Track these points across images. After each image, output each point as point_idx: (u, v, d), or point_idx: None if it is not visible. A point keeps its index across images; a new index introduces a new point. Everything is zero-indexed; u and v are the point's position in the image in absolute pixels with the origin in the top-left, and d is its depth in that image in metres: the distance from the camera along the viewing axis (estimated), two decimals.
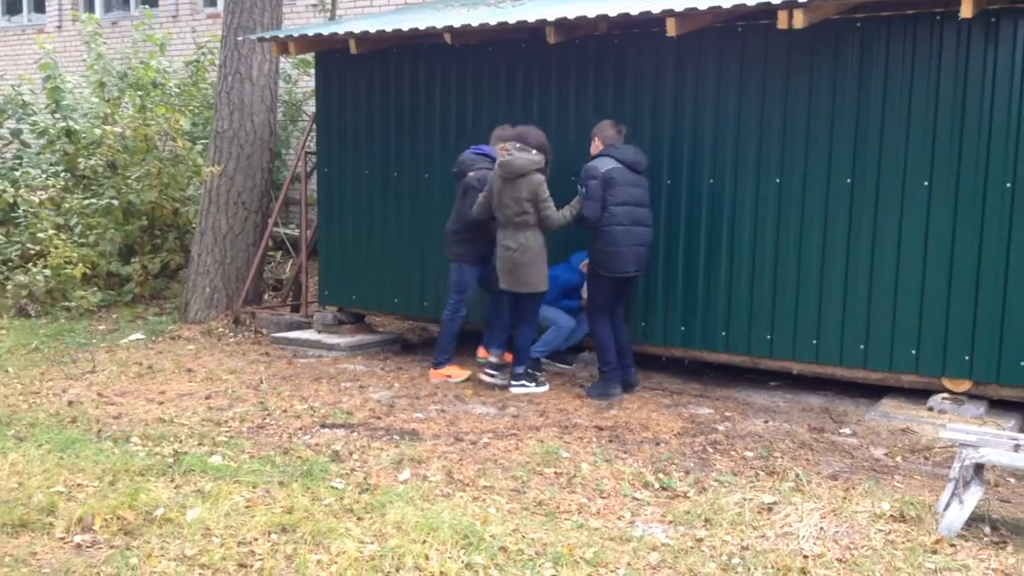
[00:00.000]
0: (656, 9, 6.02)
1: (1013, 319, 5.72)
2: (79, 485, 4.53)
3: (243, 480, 4.60)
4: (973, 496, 4.23)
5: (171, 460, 4.93)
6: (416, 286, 8.03)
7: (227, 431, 5.60)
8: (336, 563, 3.70)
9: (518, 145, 6.44)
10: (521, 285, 6.54)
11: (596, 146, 6.56)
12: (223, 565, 3.66)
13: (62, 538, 3.95)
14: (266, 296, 10.22)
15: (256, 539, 3.90)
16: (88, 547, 3.84)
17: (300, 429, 5.68)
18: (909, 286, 6.02)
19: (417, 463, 5.04)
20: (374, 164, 8.14)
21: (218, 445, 5.29)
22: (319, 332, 8.43)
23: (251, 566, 3.68)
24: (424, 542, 3.90)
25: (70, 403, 6.22)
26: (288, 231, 10.84)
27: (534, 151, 6.44)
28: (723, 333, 6.69)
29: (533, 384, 6.69)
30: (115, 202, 10.19)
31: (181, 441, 5.35)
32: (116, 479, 4.59)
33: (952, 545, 4.09)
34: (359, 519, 4.19)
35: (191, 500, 4.27)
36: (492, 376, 6.85)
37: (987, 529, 4.27)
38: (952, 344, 5.92)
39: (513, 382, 6.69)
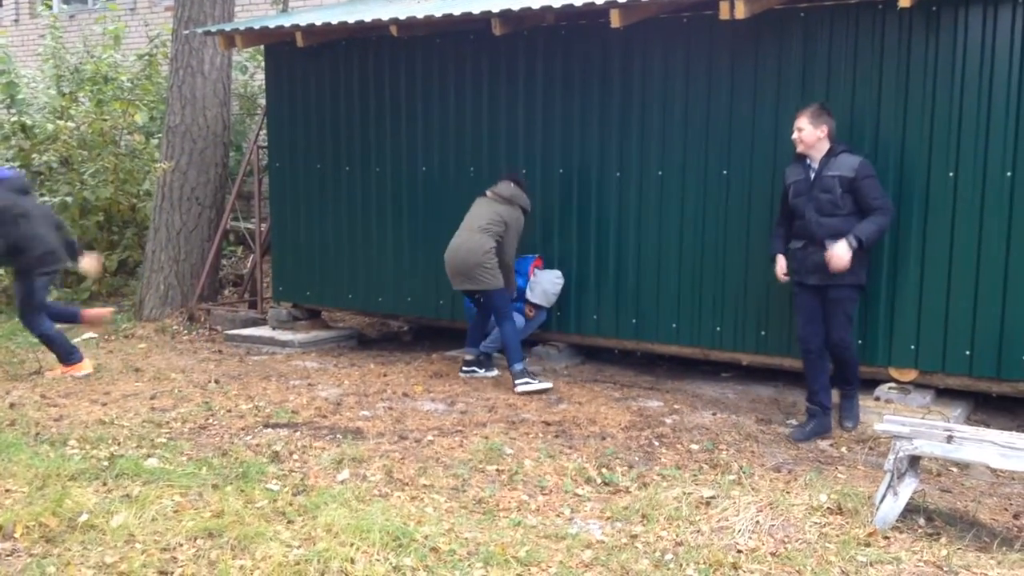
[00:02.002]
0: (600, 0, 5.97)
1: (958, 308, 5.72)
2: (7, 491, 4.44)
3: (176, 483, 4.53)
4: (908, 488, 4.23)
5: (106, 463, 4.86)
6: (371, 281, 7.96)
7: (167, 432, 5.53)
8: (259, 568, 3.64)
9: (513, 183, 6.82)
10: (482, 284, 6.65)
11: (817, 137, 5.46)
12: (143, 572, 3.60)
13: None
14: (226, 292, 10.12)
15: (180, 545, 3.84)
16: (7, 555, 3.77)
17: (243, 429, 5.62)
18: None
19: (358, 463, 4.99)
20: (325, 158, 8.06)
21: (156, 447, 5.21)
22: (274, 329, 8.36)
23: (171, 573, 3.62)
24: (353, 545, 3.85)
25: (12, 405, 6.12)
26: (248, 226, 10.73)
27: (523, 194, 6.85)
28: (674, 325, 6.67)
29: (536, 380, 6.57)
30: (69, 199, 10.05)
31: (120, 443, 5.27)
32: (46, 484, 4.50)
33: (886, 537, 4.08)
34: (290, 522, 4.13)
35: (117, 505, 4.20)
36: (470, 373, 6.93)
37: (922, 521, 4.27)
38: (897, 334, 5.92)
39: (516, 382, 6.55)
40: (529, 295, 7.00)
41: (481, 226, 6.67)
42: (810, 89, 6.03)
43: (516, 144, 7.15)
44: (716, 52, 6.33)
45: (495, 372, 6.94)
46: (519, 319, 7.00)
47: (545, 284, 6.98)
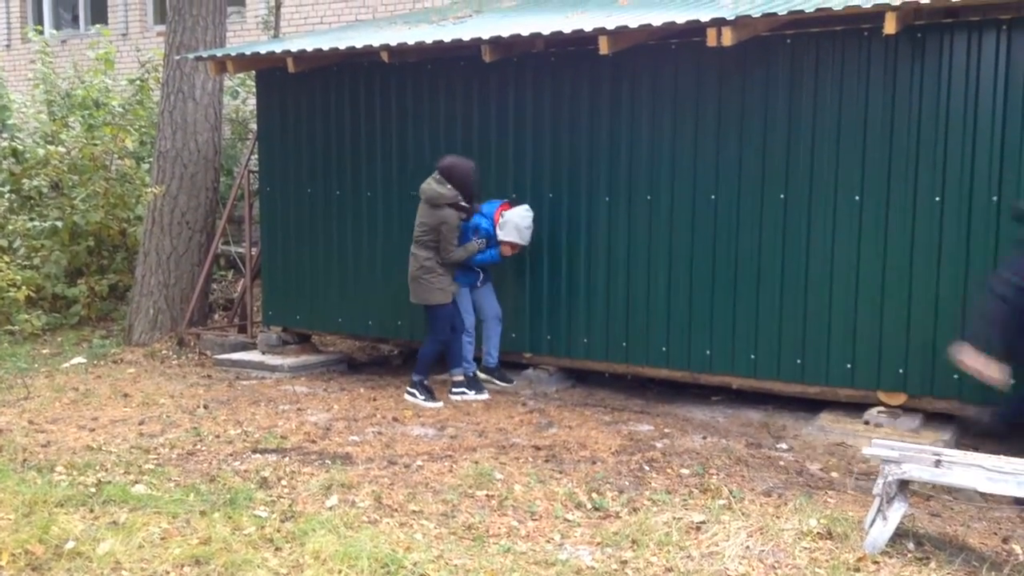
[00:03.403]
0: (589, 27, 6.03)
1: (945, 332, 5.74)
2: None
3: (163, 510, 4.51)
4: (897, 512, 4.22)
5: (93, 490, 4.83)
6: (360, 305, 7.96)
7: (155, 458, 5.50)
8: None
9: (438, 176, 6.69)
10: (421, 298, 6.81)
11: None
12: None
13: None
14: (216, 316, 10.10)
15: (167, 572, 3.81)
16: None
17: (231, 455, 5.59)
18: (843, 300, 6.05)
19: (346, 488, 4.97)
20: (316, 183, 8.08)
21: (144, 473, 5.18)
22: (263, 353, 8.34)
23: None
24: (341, 572, 3.84)
25: None
26: (238, 250, 10.73)
27: (449, 186, 6.63)
28: (664, 348, 6.68)
29: (423, 397, 6.84)
30: (60, 223, 10.04)
31: (107, 469, 5.24)
32: (33, 511, 4.47)
33: (875, 562, 4.08)
34: (278, 549, 4.11)
35: (104, 532, 4.17)
36: (460, 394, 6.97)
37: (911, 545, 4.27)
38: (886, 357, 5.94)
39: (409, 389, 6.93)
40: (500, 235, 6.84)
41: (415, 237, 6.78)
42: (796, 115, 6.08)
43: (506, 168, 7.18)
44: (704, 78, 6.38)
45: (485, 395, 6.94)
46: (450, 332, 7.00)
47: (515, 219, 6.81)
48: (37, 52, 11.92)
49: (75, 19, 15.04)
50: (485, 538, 4.38)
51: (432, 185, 6.69)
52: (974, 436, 5.87)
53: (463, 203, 6.71)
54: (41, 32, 13.04)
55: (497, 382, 7.24)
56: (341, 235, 7.99)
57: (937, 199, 5.72)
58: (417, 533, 4.40)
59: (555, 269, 7.09)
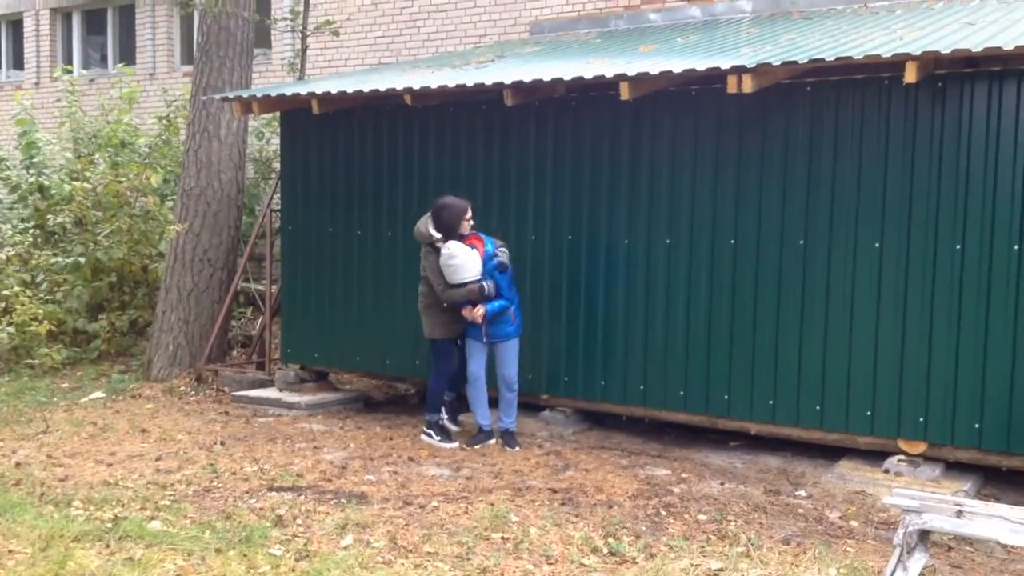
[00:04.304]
0: (610, 73, 6.09)
1: (966, 381, 5.71)
2: (11, 552, 4.42)
3: (179, 547, 4.51)
4: (917, 563, 4.17)
5: (109, 525, 4.84)
6: (378, 344, 7.98)
7: (172, 494, 5.51)
8: None
9: (430, 215, 6.73)
10: (425, 331, 6.93)
11: None
12: None
13: None
14: (234, 352, 10.15)
15: None
16: None
17: (247, 492, 5.59)
18: (862, 347, 6.02)
19: (361, 528, 4.95)
20: (337, 222, 8.15)
21: (160, 509, 5.19)
22: (281, 390, 8.36)
23: None
24: None
25: (17, 464, 6.11)
26: (258, 287, 10.80)
27: (430, 224, 6.66)
28: (681, 392, 6.66)
29: (438, 438, 6.83)
30: (83, 259, 10.15)
31: (123, 505, 5.25)
32: (49, 545, 4.49)
33: None
34: None
35: (120, 568, 4.18)
36: (427, 436, 6.93)
37: None
38: (906, 405, 5.90)
39: (425, 429, 6.93)
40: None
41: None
42: (816, 161, 6.11)
43: (526, 211, 7.23)
44: (724, 124, 6.42)
45: (493, 440, 6.86)
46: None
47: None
48: (64, 91, 12.13)
49: (104, 59, 15.31)
50: None
51: (419, 223, 6.81)
52: None
53: (439, 244, 6.62)
54: (70, 71, 13.27)
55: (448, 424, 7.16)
56: (361, 274, 8.04)
57: (958, 247, 5.71)
58: (432, 575, 4.37)
59: (573, 310, 7.09)
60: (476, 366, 6.80)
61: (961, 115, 5.69)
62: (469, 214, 6.67)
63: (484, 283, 6.53)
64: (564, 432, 7.19)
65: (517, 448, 6.70)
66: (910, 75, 5.37)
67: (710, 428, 6.78)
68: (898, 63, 5.43)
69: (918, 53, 5.30)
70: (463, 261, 6.50)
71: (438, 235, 6.62)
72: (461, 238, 6.60)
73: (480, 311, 6.54)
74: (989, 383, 5.65)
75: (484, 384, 6.82)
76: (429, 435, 6.87)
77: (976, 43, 5.35)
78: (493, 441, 6.83)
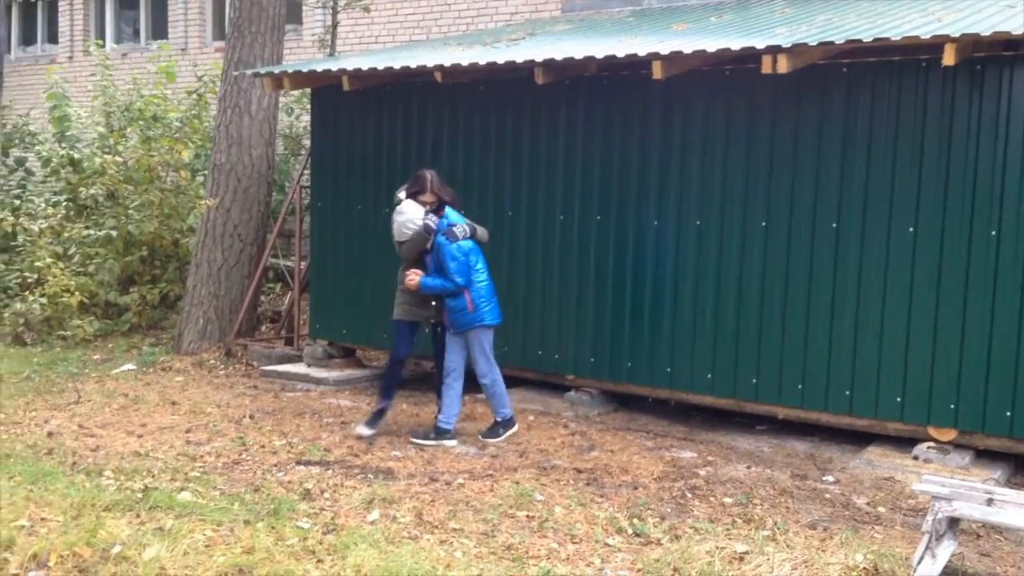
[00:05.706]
0: (643, 52, 6.04)
1: (998, 368, 5.64)
2: (43, 519, 4.49)
3: (208, 518, 4.56)
4: (946, 550, 4.15)
5: (140, 495, 4.90)
6: None
7: (201, 466, 5.57)
8: None
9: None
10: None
11: None
12: None
13: (16, 574, 3.91)
14: (263, 327, 10.23)
15: None
16: None
17: (275, 466, 5.65)
18: (894, 332, 5.96)
19: (388, 503, 4.99)
20: (366, 199, 8.16)
21: (190, 480, 5.25)
22: (309, 366, 8.42)
23: None
24: None
25: (49, 434, 6.21)
26: (287, 263, 10.86)
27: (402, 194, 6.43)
28: (708, 375, 6.64)
29: (364, 427, 6.42)
30: (114, 232, 10.24)
31: (154, 475, 5.32)
32: (81, 514, 4.55)
33: None
34: (320, 561, 4.14)
35: (150, 538, 4.23)
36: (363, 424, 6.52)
37: None
38: (937, 392, 5.84)
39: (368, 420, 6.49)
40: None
41: None
42: (851, 144, 6.03)
43: (555, 190, 7.20)
44: (758, 105, 6.36)
45: (369, 432, 6.43)
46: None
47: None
48: (97, 65, 12.21)
49: (136, 33, 15.39)
50: (525, 559, 4.37)
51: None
52: None
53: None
54: (103, 46, 13.35)
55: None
56: (389, 251, 8.02)
57: (993, 233, 5.63)
58: (457, 551, 4.40)
59: (600, 291, 7.08)
60: (451, 358, 6.39)
61: (1000, 98, 5.59)
62: (430, 189, 6.35)
63: (426, 220, 6.22)
64: (589, 413, 7.19)
65: (496, 439, 6.35)
66: (948, 58, 5.27)
67: (737, 412, 6.76)
68: (936, 45, 5.34)
69: (957, 35, 5.20)
70: (409, 216, 6.28)
71: (402, 196, 6.42)
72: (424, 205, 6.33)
73: (413, 280, 6.24)
74: (1022, 371, 5.58)
75: (460, 377, 6.36)
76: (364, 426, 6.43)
77: (1016, 25, 5.25)
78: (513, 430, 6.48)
